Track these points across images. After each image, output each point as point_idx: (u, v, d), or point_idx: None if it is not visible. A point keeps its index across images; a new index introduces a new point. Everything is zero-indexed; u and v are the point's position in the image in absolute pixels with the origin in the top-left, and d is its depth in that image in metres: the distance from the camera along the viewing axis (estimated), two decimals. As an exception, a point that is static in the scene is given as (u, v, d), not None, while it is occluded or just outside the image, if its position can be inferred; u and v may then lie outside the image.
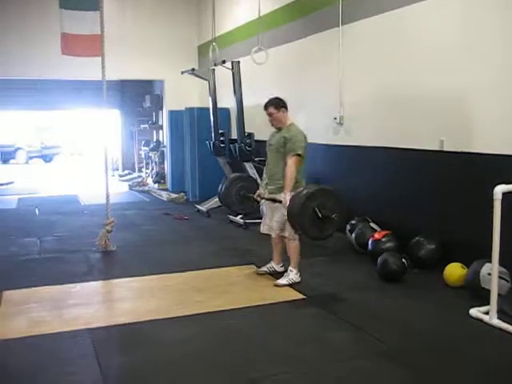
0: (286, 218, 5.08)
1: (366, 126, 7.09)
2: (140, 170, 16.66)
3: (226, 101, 11.15)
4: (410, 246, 5.88)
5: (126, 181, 14.92)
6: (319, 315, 4.57)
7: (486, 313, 4.31)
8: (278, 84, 9.22)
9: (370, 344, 3.95)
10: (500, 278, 4.46)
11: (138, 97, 17.11)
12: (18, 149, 23.88)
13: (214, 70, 8.90)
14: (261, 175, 8.44)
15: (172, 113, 12.24)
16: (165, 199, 11.44)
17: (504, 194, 4.14)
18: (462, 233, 5.58)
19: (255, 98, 10.05)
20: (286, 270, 5.44)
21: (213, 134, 9.22)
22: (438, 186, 5.90)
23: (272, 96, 5.56)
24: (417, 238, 5.87)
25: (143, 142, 16.39)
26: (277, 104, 5.39)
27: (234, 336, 4.14)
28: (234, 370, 3.56)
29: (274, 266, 5.68)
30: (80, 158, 26.56)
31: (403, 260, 5.40)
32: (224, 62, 8.10)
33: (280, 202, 5.21)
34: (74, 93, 17.10)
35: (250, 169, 8.23)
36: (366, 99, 7.04)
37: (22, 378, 3.55)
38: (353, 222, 6.90)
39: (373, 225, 6.57)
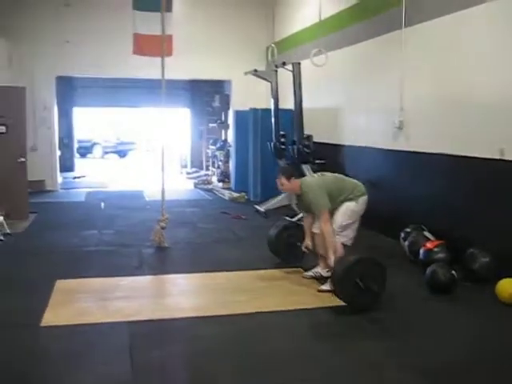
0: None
1: (426, 132, 6.87)
2: (207, 168, 16.95)
3: (291, 102, 11.19)
4: (463, 258, 5.64)
5: (193, 178, 15.21)
6: (358, 323, 4.48)
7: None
8: (339, 87, 9.15)
9: (405, 358, 3.83)
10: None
11: (207, 96, 17.43)
12: (95, 144, 24.93)
13: (276, 71, 8.90)
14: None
15: (238, 113, 12.38)
16: (226, 198, 11.58)
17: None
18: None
19: (316, 101, 10.06)
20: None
21: (274, 136, 9.22)
22: (497, 196, 5.63)
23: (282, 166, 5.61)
24: (471, 250, 5.62)
25: (211, 141, 16.68)
26: (288, 175, 5.48)
27: (264, 338, 4.15)
28: (254, 372, 3.58)
29: (320, 270, 5.62)
30: (154, 154, 27.34)
31: (453, 272, 5.19)
32: (284, 63, 8.09)
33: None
34: (148, 91, 17.62)
35: (308, 171, 8.17)
36: (427, 104, 6.82)
37: (59, 362, 3.73)
38: (407, 229, 6.71)
39: (427, 233, 6.36)
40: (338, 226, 5.30)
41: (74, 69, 12.53)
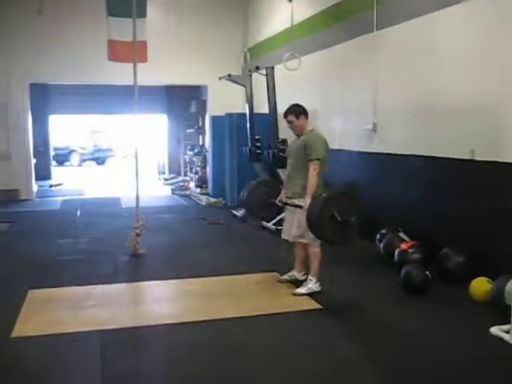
0: (306, 223, 5.00)
1: (399, 134, 6.93)
2: (185, 174, 16.88)
3: (266, 106, 11.19)
4: (437, 258, 5.68)
5: (170, 184, 15.13)
6: (333, 327, 4.47)
7: (508, 331, 4.10)
8: (313, 90, 9.17)
9: (380, 362, 3.83)
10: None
11: (184, 102, 17.36)
12: (72, 151, 24.69)
13: (250, 75, 8.90)
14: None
15: (214, 118, 12.35)
16: (203, 204, 11.53)
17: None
18: (492, 245, 5.34)
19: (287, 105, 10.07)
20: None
21: (249, 140, 9.22)
22: (469, 196, 5.68)
23: (293, 103, 5.49)
24: (445, 250, 5.66)
25: (189, 147, 16.61)
26: (296, 112, 5.34)
27: (239, 343, 4.11)
28: (230, 378, 3.54)
29: (296, 274, 5.61)
30: (132, 160, 27.19)
31: (426, 272, 5.21)
32: (258, 68, 8.10)
33: (300, 207, 5.14)
34: (124, 98, 17.49)
35: (284, 175, 8.18)
36: (400, 106, 6.87)
37: (29, 375, 3.64)
38: (383, 231, 6.75)
39: (402, 235, 6.39)
40: (303, 228, 5.20)
41: (48, 76, 12.40)
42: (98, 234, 8.27)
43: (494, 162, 5.33)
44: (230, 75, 8.86)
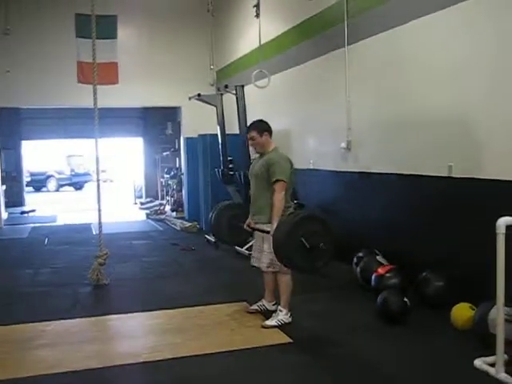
0: (272, 249, 4.64)
1: (374, 152, 6.63)
2: (162, 198, 16.49)
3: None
4: (416, 283, 5.34)
5: (146, 209, 14.72)
6: (302, 364, 4.07)
7: (493, 364, 3.74)
8: (286, 109, 8.93)
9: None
10: (508, 321, 3.89)
11: (160, 124, 17.07)
12: (49, 176, 24.14)
13: (221, 95, 8.59)
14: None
15: (187, 140, 12.02)
16: (178, 228, 11.13)
17: (509, 226, 3.61)
18: (473, 268, 5.00)
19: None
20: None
21: (221, 161, 8.87)
22: (449, 215, 5.36)
23: (258, 119, 5.18)
24: (424, 274, 5.32)
25: (166, 170, 16.25)
26: (260, 128, 5.01)
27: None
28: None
29: (266, 304, 5.22)
30: (110, 185, 26.71)
31: (405, 299, 4.86)
32: (226, 86, 7.80)
33: (268, 232, 4.78)
34: (101, 121, 17.13)
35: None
36: (374, 123, 6.59)
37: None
38: (360, 254, 6.40)
39: (379, 258, 6.04)
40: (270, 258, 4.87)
41: (15, 99, 11.99)
42: (62, 264, 7.83)
43: (471, 178, 5.03)
44: (199, 94, 8.55)
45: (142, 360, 4.16)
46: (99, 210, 6.77)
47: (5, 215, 13.28)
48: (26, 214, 14.34)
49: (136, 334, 4.89)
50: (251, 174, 5.11)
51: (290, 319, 4.87)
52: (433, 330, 4.68)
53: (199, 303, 5.65)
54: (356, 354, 4.23)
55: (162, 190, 16.40)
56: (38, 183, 23.92)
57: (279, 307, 4.91)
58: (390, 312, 4.84)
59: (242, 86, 7.76)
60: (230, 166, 8.76)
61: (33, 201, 18.38)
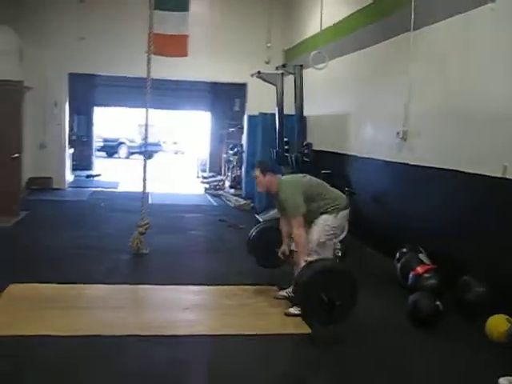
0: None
1: (430, 144, 6.25)
2: (225, 174, 16.57)
3: (308, 108, 10.67)
4: (456, 286, 5.03)
5: (207, 183, 14.84)
6: (312, 358, 3.93)
7: (519, 384, 3.46)
8: (346, 93, 8.65)
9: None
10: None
11: (229, 100, 17.05)
12: (121, 143, 24.81)
13: (282, 74, 8.41)
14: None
15: (250, 117, 11.93)
16: (232, 205, 11.14)
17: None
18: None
19: (325, 107, 9.58)
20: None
21: (277, 142, 8.74)
22: (499, 218, 5.00)
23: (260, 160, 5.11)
24: (465, 277, 5.00)
25: (231, 146, 16.28)
26: (263, 168, 4.95)
27: (202, 367, 3.68)
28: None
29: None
30: (181, 156, 27.19)
31: (437, 303, 4.58)
32: (284, 65, 7.64)
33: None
34: (168, 92, 17.39)
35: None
36: (433, 114, 6.20)
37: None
38: (403, 249, 6.12)
39: (422, 256, 5.74)
40: (315, 242, 4.75)
41: (86, 66, 12.29)
42: (110, 230, 8.00)
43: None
44: (259, 72, 8.39)
45: (150, 333, 4.16)
46: (144, 180, 6.83)
47: (71, 177, 13.77)
48: (91, 178, 14.79)
49: (160, 307, 4.89)
50: (278, 211, 5.13)
51: (314, 309, 4.73)
52: (464, 339, 4.40)
53: (231, 282, 5.61)
54: (371, 355, 4.05)
55: (225, 166, 16.45)
56: (111, 149, 24.64)
57: (304, 296, 4.77)
58: (420, 315, 4.60)
59: (301, 66, 7.56)
60: (286, 147, 8.61)
61: (102, 166, 19.01)
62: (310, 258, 4.58)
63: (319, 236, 4.77)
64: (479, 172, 5.27)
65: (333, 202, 4.83)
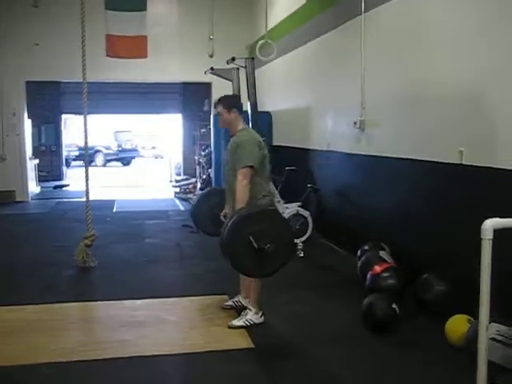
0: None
1: (388, 133, 5.87)
2: (199, 176, 16.13)
3: (271, 103, 10.30)
4: (416, 285, 4.63)
5: (178, 187, 14.41)
6: (250, 376, 3.51)
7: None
8: (305, 85, 8.33)
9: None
10: (500, 342, 3.20)
11: (199, 101, 16.63)
12: (97, 151, 24.29)
13: (237, 69, 7.96)
14: (276, 188, 7.49)
15: (215, 116, 11.49)
16: (200, 209, 10.68)
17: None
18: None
19: (286, 102, 9.21)
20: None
21: (237, 140, 8.30)
22: (459, 209, 4.60)
23: (228, 94, 4.60)
24: (425, 276, 4.61)
25: (203, 147, 15.86)
26: (229, 103, 4.41)
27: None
28: None
29: (241, 299, 4.66)
30: (159, 161, 26.70)
31: (393, 306, 4.18)
32: (233, 59, 7.18)
33: None
34: (135, 96, 16.96)
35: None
36: (389, 100, 5.80)
37: None
38: (365, 246, 5.72)
39: (383, 253, 5.34)
40: None
41: (44, 73, 11.81)
42: (61, 243, 7.51)
43: (483, 167, 4.26)
44: (212, 68, 7.97)
45: (74, 359, 3.72)
46: (86, 187, 6.42)
47: (37, 189, 13.30)
48: (58, 189, 14.30)
49: (89, 326, 4.51)
50: (226, 158, 4.54)
51: (261, 319, 4.32)
52: (422, 343, 4.00)
53: (179, 293, 5.21)
54: (318, 368, 3.64)
55: (197, 168, 16.03)
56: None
57: (248, 305, 4.36)
58: (375, 319, 4.19)
59: (252, 59, 7.14)
60: None
61: (75, 175, 18.49)
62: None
63: None
64: (436, 159, 4.89)
65: (262, 190, 4.33)
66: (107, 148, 24.29)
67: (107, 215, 9.91)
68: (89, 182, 6.45)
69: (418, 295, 4.57)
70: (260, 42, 7.01)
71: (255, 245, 3.71)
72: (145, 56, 10.91)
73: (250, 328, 4.23)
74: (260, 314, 4.32)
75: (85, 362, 3.67)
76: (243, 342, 4.00)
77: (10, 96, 11.55)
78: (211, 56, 8.07)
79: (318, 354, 3.84)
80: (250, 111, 7.58)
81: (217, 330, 4.26)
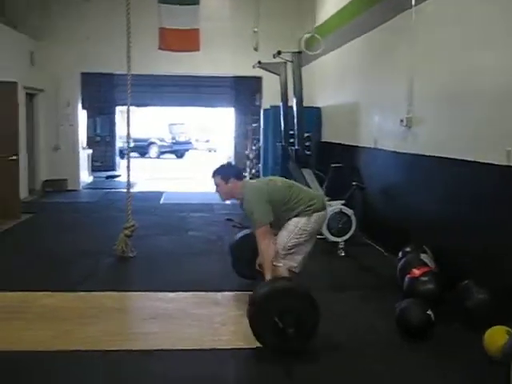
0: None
1: (436, 131, 5.59)
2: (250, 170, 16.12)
3: (321, 99, 10.14)
4: (455, 291, 4.41)
5: (227, 181, 14.41)
6: (274, 376, 3.42)
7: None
8: (355, 81, 8.09)
9: None
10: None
11: (252, 95, 16.56)
12: (151, 143, 24.68)
13: (285, 63, 7.86)
14: (322, 185, 7.35)
15: (265, 111, 11.45)
16: (245, 203, 10.66)
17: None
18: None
19: (335, 97, 9.03)
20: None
21: (282, 136, 8.21)
22: (506, 214, 4.34)
23: (223, 164, 4.63)
24: (465, 282, 4.37)
25: (254, 142, 15.84)
26: (225, 174, 4.33)
27: None
28: None
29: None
30: (213, 154, 26.90)
31: (428, 312, 3.99)
32: (279, 52, 7.06)
33: None
34: (190, 89, 17.07)
35: (309, 176, 7.15)
36: (438, 97, 5.52)
37: None
38: (407, 248, 5.51)
39: (424, 256, 5.13)
40: (282, 247, 4.24)
41: (98, 66, 12.05)
42: (106, 231, 7.64)
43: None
44: (259, 62, 7.88)
45: (95, 348, 3.74)
46: (128, 179, 6.49)
47: (89, 179, 13.63)
48: (110, 179, 14.61)
49: (118, 317, 4.46)
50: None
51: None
52: (457, 354, 3.79)
53: (215, 288, 5.15)
54: (346, 372, 3.50)
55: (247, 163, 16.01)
56: (141, 149, 24.52)
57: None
58: (408, 325, 4.01)
59: (299, 53, 7.00)
60: (291, 140, 8.00)
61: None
62: (277, 264, 4.10)
63: (287, 240, 4.24)
64: (485, 161, 4.63)
65: (305, 203, 4.28)
66: (161, 140, 24.59)
67: (154, 207, 10.04)
68: (130, 173, 6.50)
69: (456, 302, 4.35)
70: (306, 36, 6.87)
71: (280, 325, 3.58)
72: (197, 49, 10.95)
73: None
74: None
75: (105, 351, 3.68)
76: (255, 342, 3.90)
77: (64, 87, 11.88)
78: (256, 49, 7.99)
79: (347, 354, 3.72)
80: (295, 107, 7.47)
81: (247, 328, 4.17)
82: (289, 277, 4.15)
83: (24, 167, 10.53)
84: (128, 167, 6.46)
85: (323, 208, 4.38)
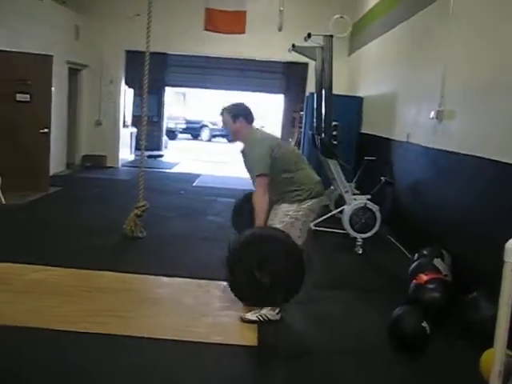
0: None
1: (469, 126, 5.10)
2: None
3: (363, 88, 9.74)
4: (462, 304, 4.02)
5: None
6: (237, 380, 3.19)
7: None
8: (392, 71, 7.65)
9: None
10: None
11: (302, 82, 16.20)
12: (203, 126, 24.73)
13: (321, 47, 7.47)
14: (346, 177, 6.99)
15: (307, 99, 11.09)
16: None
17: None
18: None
19: (372, 88, 8.63)
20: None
21: (315, 125, 7.83)
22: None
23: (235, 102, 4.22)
24: (473, 294, 3.98)
25: (301, 130, 15.53)
26: (234, 112, 4.06)
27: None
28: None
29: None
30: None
31: (423, 324, 3.63)
32: (309, 35, 6.70)
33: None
34: (240, 74, 16.86)
35: (335, 167, 6.80)
36: (473, 90, 5.04)
37: None
38: (424, 251, 5.12)
39: (437, 261, 4.73)
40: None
41: (143, 44, 11.97)
42: (124, 210, 7.47)
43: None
44: (293, 46, 7.51)
45: (68, 328, 3.60)
46: (141, 158, 6.35)
47: (131, 157, 13.72)
48: (152, 158, 14.65)
49: (104, 297, 4.31)
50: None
51: (277, 316, 3.96)
52: (450, 374, 3.43)
53: (213, 276, 4.91)
54: (315, 379, 3.23)
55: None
56: (193, 131, 24.66)
57: (265, 300, 4.01)
58: (401, 335, 3.68)
59: (331, 36, 6.62)
60: (334, 132, 7.53)
61: (175, 147, 19.03)
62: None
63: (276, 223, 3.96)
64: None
65: (299, 186, 3.98)
66: (213, 124, 24.59)
67: (185, 188, 9.94)
68: (144, 152, 6.36)
69: (461, 316, 3.96)
70: (334, 17, 6.49)
71: (257, 274, 3.40)
72: (242, 32, 10.74)
73: (262, 324, 3.89)
74: (277, 311, 3.96)
75: (75, 333, 3.54)
76: (249, 338, 3.67)
77: (108, 64, 11.91)
78: (280, 30, 7.68)
79: (323, 363, 3.42)
80: (324, 93, 7.11)
81: (227, 322, 3.96)
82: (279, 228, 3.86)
83: (63, 141, 10.69)
84: (142, 146, 6.30)
85: (318, 195, 4.07)
